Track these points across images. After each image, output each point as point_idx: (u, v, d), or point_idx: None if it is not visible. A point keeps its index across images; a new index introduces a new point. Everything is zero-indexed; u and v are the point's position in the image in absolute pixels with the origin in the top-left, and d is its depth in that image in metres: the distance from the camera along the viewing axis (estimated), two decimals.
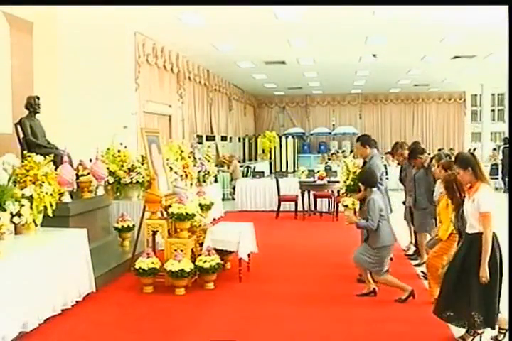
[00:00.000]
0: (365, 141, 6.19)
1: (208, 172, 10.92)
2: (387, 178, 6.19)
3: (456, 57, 14.97)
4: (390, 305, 5.27)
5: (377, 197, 5.42)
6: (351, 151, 24.56)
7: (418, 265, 6.82)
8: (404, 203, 7.54)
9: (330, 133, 26.05)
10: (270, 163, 23.22)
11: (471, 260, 4.11)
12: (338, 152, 21.50)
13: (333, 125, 26.40)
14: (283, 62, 15.75)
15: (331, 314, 5.05)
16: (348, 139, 25.82)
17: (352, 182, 6.51)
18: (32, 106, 6.65)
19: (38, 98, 6.71)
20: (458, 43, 12.85)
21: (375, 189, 5.51)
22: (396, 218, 7.45)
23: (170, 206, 6.08)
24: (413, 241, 7.59)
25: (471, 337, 4.24)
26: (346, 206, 6.07)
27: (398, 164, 8.94)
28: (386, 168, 5.57)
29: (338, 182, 10.94)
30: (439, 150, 15.66)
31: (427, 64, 16.10)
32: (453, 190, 4.61)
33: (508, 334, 4.25)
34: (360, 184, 5.74)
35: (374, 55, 14.55)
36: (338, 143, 25.91)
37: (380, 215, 5.32)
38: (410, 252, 7.56)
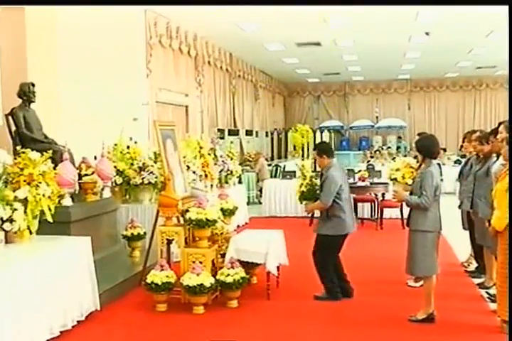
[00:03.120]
0: (322, 150, 6.22)
1: (231, 171, 10.96)
2: (441, 180, 5.96)
3: None
4: (447, 331, 5.12)
5: (436, 172, 5.32)
6: (398, 148, 24.47)
7: (483, 286, 6.49)
8: (460, 207, 7.22)
9: (373, 126, 25.98)
10: None
11: None
12: (382, 149, 21.36)
13: (377, 117, 26.32)
14: (318, 44, 15.72)
15: (373, 338, 4.97)
16: (395, 134, 25.68)
17: (306, 189, 6.31)
18: (26, 94, 6.70)
19: (33, 85, 6.76)
20: None
21: (434, 161, 5.44)
22: (450, 226, 7.24)
23: (187, 211, 6.08)
24: (473, 254, 7.33)
25: None
26: (395, 179, 5.97)
27: (462, 156, 8.59)
28: (440, 168, 5.44)
29: (382, 183, 10.85)
30: None
31: (493, 41, 15.65)
32: None
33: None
34: (417, 153, 5.68)
35: (427, 33, 14.37)
36: (382, 139, 25.84)
37: (434, 194, 5.21)
38: (471, 268, 7.34)
